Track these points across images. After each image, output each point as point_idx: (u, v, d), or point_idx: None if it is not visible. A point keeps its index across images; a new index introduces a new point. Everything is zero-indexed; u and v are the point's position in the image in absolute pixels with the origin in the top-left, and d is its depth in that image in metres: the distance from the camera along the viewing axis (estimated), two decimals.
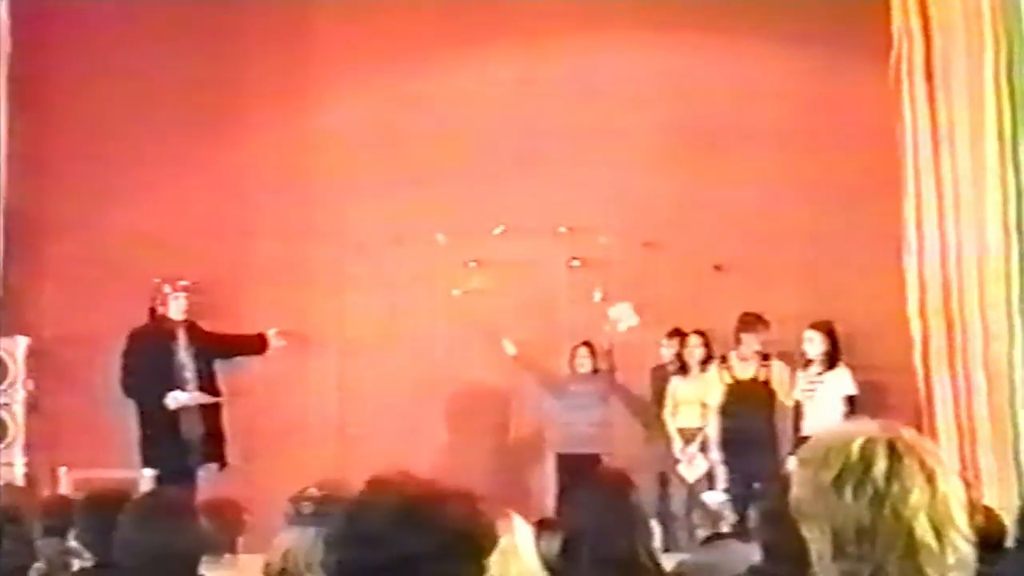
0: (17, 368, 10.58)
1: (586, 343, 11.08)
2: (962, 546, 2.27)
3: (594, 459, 10.27)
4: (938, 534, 2.26)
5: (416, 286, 11.66)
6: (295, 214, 11.84)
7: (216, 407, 10.12)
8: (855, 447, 2.31)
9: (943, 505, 2.27)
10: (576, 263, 11.67)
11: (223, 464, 10.03)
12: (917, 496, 2.26)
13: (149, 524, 4.50)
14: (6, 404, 10.56)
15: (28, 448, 10.56)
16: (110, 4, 11.70)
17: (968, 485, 6.21)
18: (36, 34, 11.24)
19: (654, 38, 11.66)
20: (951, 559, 2.26)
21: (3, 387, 10.55)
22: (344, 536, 2.23)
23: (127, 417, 10.74)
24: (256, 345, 10.45)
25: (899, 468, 2.28)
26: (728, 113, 11.58)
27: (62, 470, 10.73)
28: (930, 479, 2.28)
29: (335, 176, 11.87)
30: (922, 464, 2.29)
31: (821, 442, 2.38)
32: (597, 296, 11.58)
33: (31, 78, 11.22)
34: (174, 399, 9.87)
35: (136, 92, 11.55)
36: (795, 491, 2.36)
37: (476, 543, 2.23)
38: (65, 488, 10.36)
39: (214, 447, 10.03)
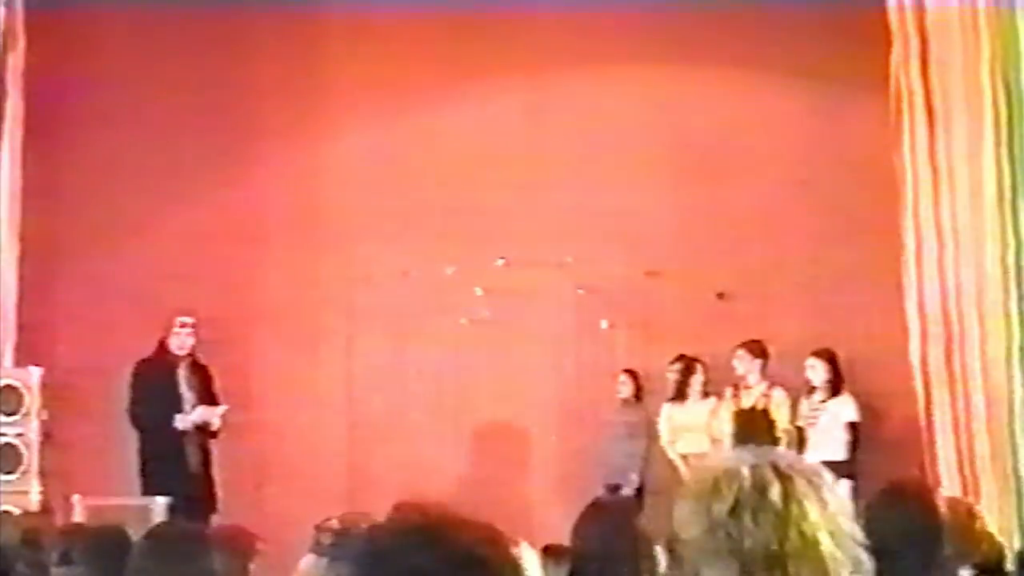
0: (32, 398, 10.63)
1: (627, 370, 11.24)
2: (860, 554, 2.31)
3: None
4: (839, 546, 2.29)
5: (424, 317, 11.77)
6: (304, 247, 11.95)
7: (207, 462, 10.38)
8: (745, 474, 2.30)
9: (835, 518, 2.30)
10: (582, 292, 11.78)
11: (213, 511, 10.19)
12: (815, 513, 2.28)
13: (161, 555, 4.61)
14: (21, 434, 10.58)
15: (42, 477, 10.60)
16: (124, 41, 11.84)
17: (971, 512, 6.31)
18: (51, 71, 11.36)
19: (657, 71, 11.78)
20: (854, 569, 2.29)
21: (18, 417, 10.58)
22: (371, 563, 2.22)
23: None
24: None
25: (792, 489, 2.29)
26: (730, 145, 11.70)
27: (76, 498, 10.81)
28: (818, 494, 2.31)
29: (343, 209, 11.98)
30: (809, 482, 2.31)
31: (705, 475, 2.35)
32: (604, 325, 11.71)
33: (46, 115, 11.33)
34: (181, 420, 10.17)
35: (149, 128, 11.69)
36: (686, 532, 2.32)
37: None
38: (79, 516, 10.46)
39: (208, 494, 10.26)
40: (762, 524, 2.26)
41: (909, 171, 10.40)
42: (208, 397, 10.53)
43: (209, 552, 4.76)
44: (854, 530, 2.32)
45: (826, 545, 2.28)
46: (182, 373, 10.40)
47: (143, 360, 10.48)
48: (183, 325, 10.43)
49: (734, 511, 2.27)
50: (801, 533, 2.27)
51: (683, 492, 2.38)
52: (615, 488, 10.72)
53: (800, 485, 2.30)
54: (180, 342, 10.45)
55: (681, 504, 2.36)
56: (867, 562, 2.32)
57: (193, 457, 10.28)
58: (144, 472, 10.29)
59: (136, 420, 10.33)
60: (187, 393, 10.39)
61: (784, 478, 2.30)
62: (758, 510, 2.27)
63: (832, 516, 2.30)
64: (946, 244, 10.20)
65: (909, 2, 10.27)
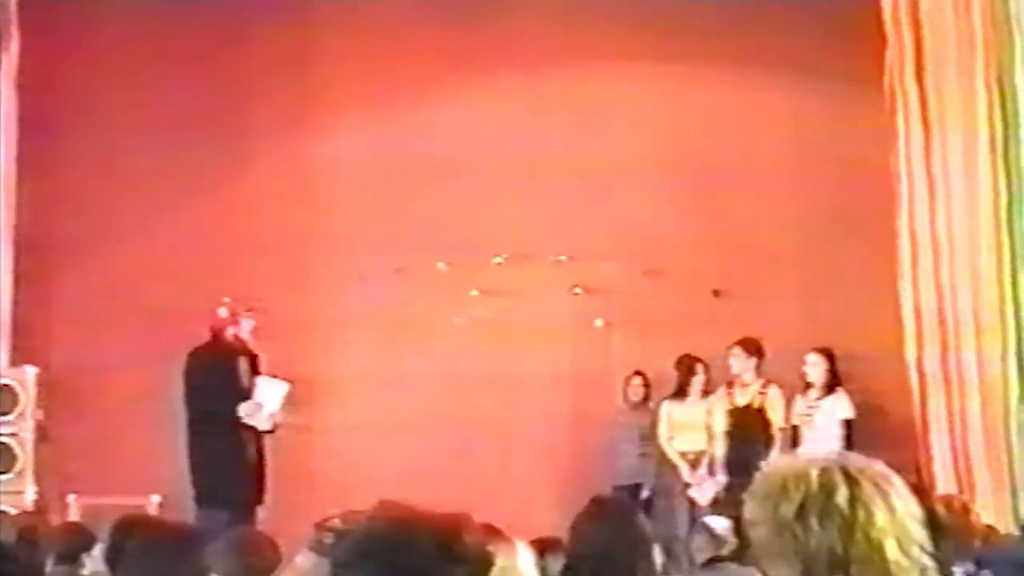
0: (27, 398, 10.64)
1: (638, 372, 11.28)
2: (927, 561, 2.33)
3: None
4: (906, 553, 2.30)
5: (418, 315, 11.76)
6: (298, 245, 11.93)
7: (261, 445, 10.13)
8: (813, 476, 2.33)
9: (903, 523, 2.32)
10: (578, 291, 11.79)
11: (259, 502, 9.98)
12: (882, 518, 2.30)
13: (153, 554, 4.64)
14: (16, 433, 10.60)
15: (38, 476, 10.62)
16: (120, 39, 11.82)
17: (965, 508, 6.33)
18: (47, 68, 11.37)
19: (654, 70, 11.77)
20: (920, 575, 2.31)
21: (13, 416, 10.59)
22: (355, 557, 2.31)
23: (135, 444, 10.89)
24: None
25: (859, 492, 2.31)
26: (727, 143, 11.70)
27: (71, 497, 10.84)
28: (886, 500, 2.33)
29: (337, 207, 11.97)
30: (877, 486, 2.33)
31: (774, 476, 2.38)
32: (599, 323, 11.72)
33: (42, 111, 11.35)
34: (246, 407, 9.82)
35: (144, 124, 11.67)
36: (753, 532, 2.36)
37: (468, 563, 2.28)
38: (74, 515, 10.47)
39: (259, 483, 10.03)
40: (827, 527, 2.29)
41: (904, 170, 10.44)
42: None
43: (201, 552, 4.76)
44: (922, 537, 2.34)
45: (892, 551, 2.30)
46: (242, 361, 10.06)
47: (200, 348, 10.03)
48: (248, 310, 10.10)
49: (800, 513, 2.31)
50: (867, 537, 2.29)
51: (752, 492, 2.41)
52: (634, 489, 10.76)
53: (868, 490, 2.32)
54: (246, 327, 10.11)
55: (750, 505, 2.40)
56: (933, 569, 2.35)
57: (251, 447, 9.96)
58: (203, 463, 9.88)
59: (196, 413, 9.88)
60: (247, 383, 10.03)
61: (852, 482, 2.32)
62: (824, 513, 2.30)
63: (900, 522, 2.32)
64: (941, 242, 10.25)
65: (904, 3, 10.31)
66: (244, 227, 11.92)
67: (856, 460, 2.40)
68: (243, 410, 9.84)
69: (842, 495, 2.31)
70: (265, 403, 9.94)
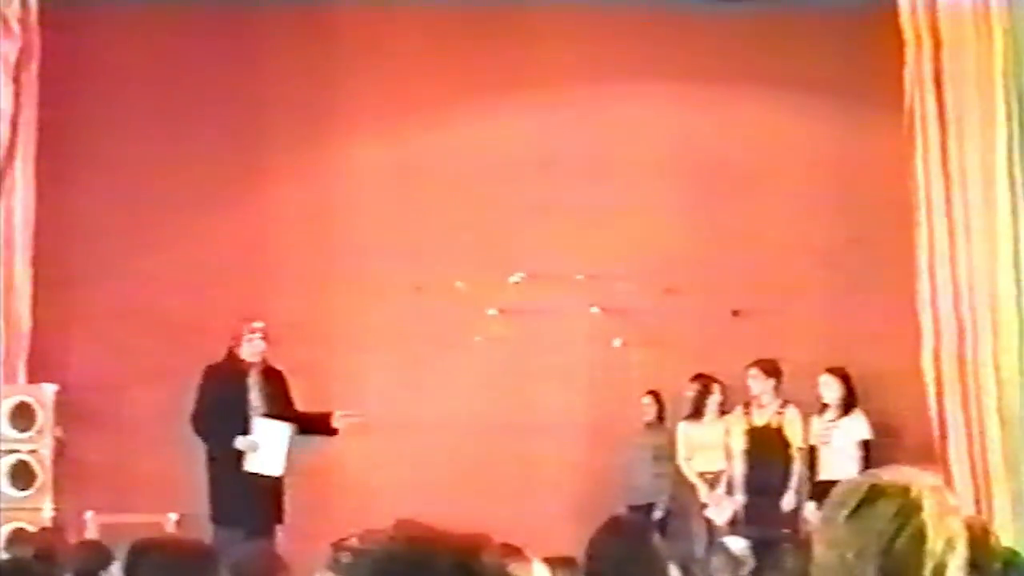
0: (46, 415, 10.66)
1: (651, 392, 11.28)
2: None
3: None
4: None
5: (437, 334, 11.77)
6: (316, 263, 11.95)
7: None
8: (866, 487, 2.44)
9: (944, 550, 2.40)
10: (596, 310, 11.79)
11: (279, 522, 9.93)
12: (927, 543, 2.38)
13: (168, 571, 4.63)
14: (34, 451, 10.62)
15: (56, 493, 10.63)
16: (139, 56, 11.88)
17: (985, 529, 6.30)
18: (65, 85, 11.41)
19: (673, 89, 11.78)
20: None
21: (32, 434, 10.59)
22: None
23: (153, 462, 10.91)
24: (322, 424, 10.21)
25: (910, 512, 2.40)
26: (746, 162, 11.71)
27: (89, 515, 10.86)
28: (936, 528, 2.40)
29: (355, 224, 12.00)
30: (934, 509, 2.42)
31: (848, 483, 2.50)
32: (617, 343, 11.71)
33: (60, 127, 11.39)
34: (243, 441, 9.79)
35: (163, 141, 11.73)
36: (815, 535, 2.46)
37: None
38: (92, 533, 10.49)
39: (276, 504, 9.96)
40: (869, 539, 2.37)
41: (922, 190, 10.42)
42: (282, 402, 10.12)
43: (217, 571, 4.76)
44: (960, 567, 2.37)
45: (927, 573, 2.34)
46: (252, 380, 10.01)
47: (212, 366, 10.03)
48: (253, 331, 10.04)
49: (849, 518, 2.39)
50: (905, 555, 2.36)
51: (824, 502, 2.53)
52: (647, 509, 10.76)
53: (924, 515, 2.39)
54: (252, 348, 10.05)
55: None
56: None
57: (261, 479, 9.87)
58: (217, 482, 9.84)
59: (199, 431, 9.87)
60: (257, 401, 9.97)
61: (909, 501, 2.40)
62: (869, 522, 2.38)
63: (942, 548, 2.37)
64: (959, 261, 10.22)
65: (923, 15, 10.30)
66: (262, 244, 11.96)
67: (927, 480, 2.47)
68: (240, 444, 9.82)
69: (890, 510, 2.38)
70: (263, 444, 9.94)
